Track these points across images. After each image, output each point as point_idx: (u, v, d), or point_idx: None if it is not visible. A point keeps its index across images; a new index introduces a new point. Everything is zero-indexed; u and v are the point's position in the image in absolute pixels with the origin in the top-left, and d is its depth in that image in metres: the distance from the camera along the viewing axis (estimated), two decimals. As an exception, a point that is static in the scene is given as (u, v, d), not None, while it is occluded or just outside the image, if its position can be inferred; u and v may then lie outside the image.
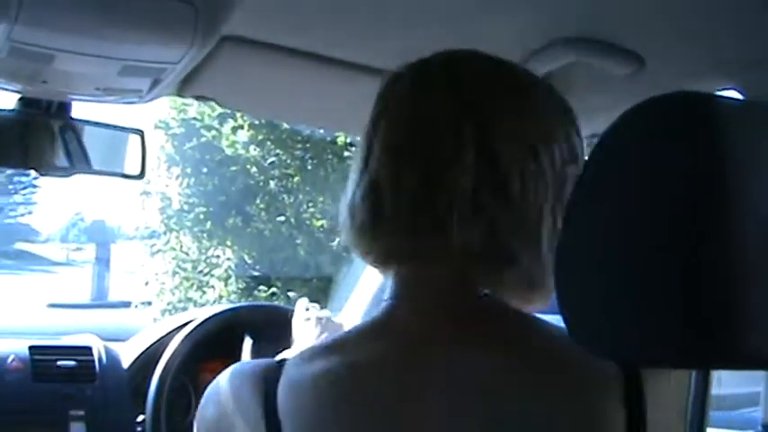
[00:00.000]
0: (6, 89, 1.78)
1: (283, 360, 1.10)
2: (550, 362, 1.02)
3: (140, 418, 2.35)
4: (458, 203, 1.04)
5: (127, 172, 2.05)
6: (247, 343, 2.41)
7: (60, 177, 1.97)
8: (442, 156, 1.05)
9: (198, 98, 1.87)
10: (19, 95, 1.83)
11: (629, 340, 0.84)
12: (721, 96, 0.87)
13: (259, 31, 1.59)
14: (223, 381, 1.13)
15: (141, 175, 2.02)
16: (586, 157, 0.94)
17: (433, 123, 1.08)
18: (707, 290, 0.77)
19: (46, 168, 1.92)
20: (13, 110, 1.84)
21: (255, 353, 2.38)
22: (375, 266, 1.16)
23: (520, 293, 1.10)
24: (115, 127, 2.02)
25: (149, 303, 12.48)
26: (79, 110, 1.90)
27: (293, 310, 2.57)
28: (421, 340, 1.06)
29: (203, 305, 10.79)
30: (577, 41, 1.55)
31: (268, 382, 1.07)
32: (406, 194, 1.06)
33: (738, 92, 1.60)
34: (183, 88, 1.77)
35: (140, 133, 2.03)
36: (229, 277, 11.96)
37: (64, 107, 1.87)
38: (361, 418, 1.02)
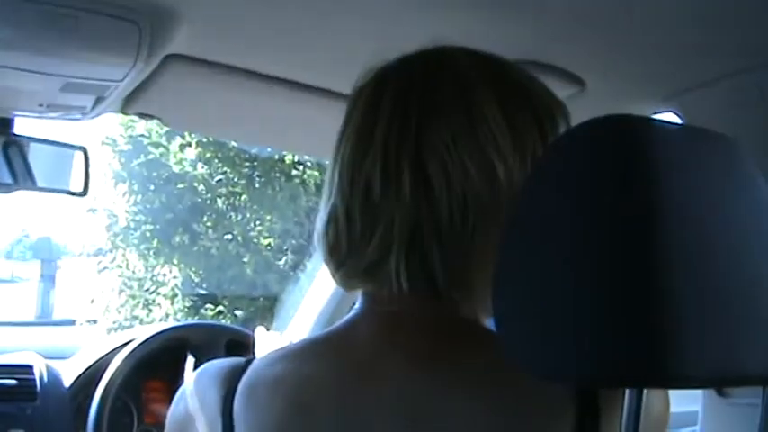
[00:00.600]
0: (-51, 104, 1.76)
1: (250, 360, 1.11)
2: (501, 379, 1.00)
3: (82, 437, 2.32)
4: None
5: (71, 189, 2.03)
6: (190, 362, 2.40)
7: (2, 193, 1.94)
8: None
9: (142, 116, 1.86)
10: (-40, 111, 1.81)
11: (560, 359, 0.85)
12: (656, 120, 0.88)
13: (203, 50, 1.59)
14: (192, 379, 1.15)
15: (84, 193, 2.00)
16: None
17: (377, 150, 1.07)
18: (637, 311, 0.78)
19: (-9, 184, 1.90)
20: (-45, 125, 1.82)
21: None
22: (342, 287, 1.17)
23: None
24: (58, 143, 2.00)
25: (95, 321, 12.35)
26: (24, 126, 1.89)
27: (236, 330, 2.57)
28: (377, 356, 1.06)
29: (149, 323, 10.71)
30: (517, 64, 1.56)
31: (230, 382, 1.08)
32: (354, 227, 1.07)
33: (677, 115, 1.63)
34: (126, 106, 1.76)
35: (83, 150, 2.01)
36: (176, 295, 11.87)
37: (7, 123, 1.85)
38: (311, 430, 1.02)
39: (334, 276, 1.14)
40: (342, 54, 1.58)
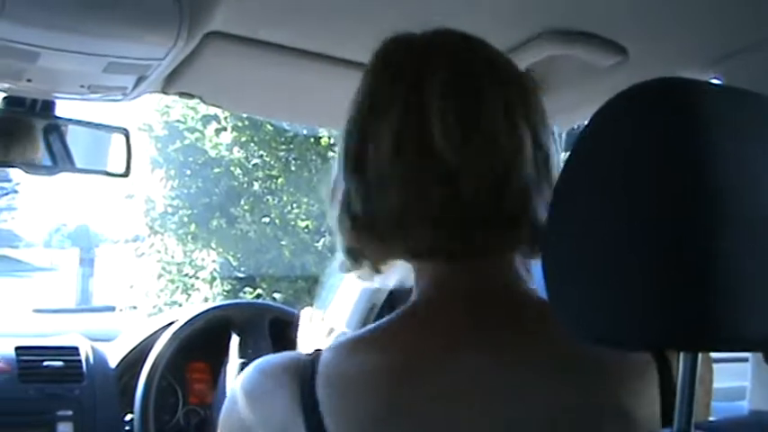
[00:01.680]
0: (-9, 87, 1.78)
1: (316, 352, 1.07)
2: (577, 351, 1.01)
3: (128, 417, 2.34)
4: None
5: (113, 170, 2.05)
6: (234, 341, 2.41)
7: (44, 176, 1.96)
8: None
9: (182, 95, 1.87)
10: (3, 95, 1.82)
11: (613, 324, 0.85)
12: (706, 81, 0.87)
13: (244, 27, 1.59)
14: (250, 377, 1.09)
15: (126, 174, 2.02)
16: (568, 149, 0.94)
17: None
18: (691, 274, 0.78)
19: (30, 167, 1.92)
20: (-2, 108, 1.84)
21: (242, 351, 2.38)
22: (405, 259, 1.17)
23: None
24: (100, 125, 2.02)
25: (135, 307, 12.46)
26: (64, 109, 1.90)
27: (279, 308, 2.57)
28: (454, 335, 1.06)
29: (189, 308, 10.78)
30: (559, 34, 1.55)
31: (303, 376, 1.03)
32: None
33: (720, 81, 1.61)
34: (167, 85, 1.77)
35: (125, 132, 2.03)
36: (214, 279, 11.95)
37: (48, 106, 1.87)
38: (415, 416, 1.01)
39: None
40: (387, 29, 1.57)
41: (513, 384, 1.03)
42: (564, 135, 2.05)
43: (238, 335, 2.41)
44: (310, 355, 1.07)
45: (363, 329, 1.13)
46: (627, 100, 0.87)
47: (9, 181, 36.00)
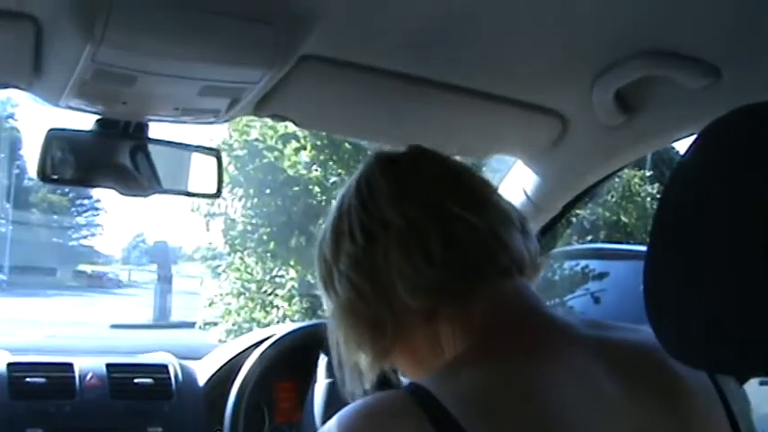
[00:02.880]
0: (86, 111, 1.80)
1: (414, 387, 1.05)
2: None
3: (216, 433, 2.37)
4: None
5: (201, 191, 2.07)
6: (322, 361, 2.42)
7: (134, 197, 1.98)
8: None
9: (274, 117, 1.88)
10: (97, 116, 1.85)
11: (725, 352, 0.84)
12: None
13: (336, 51, 1.60)
14: (360, 425, 1.04)
15: (218, 194, 2.05)
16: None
17: None
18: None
19: (123, 188, 1.94)
20: (90, 131, 1.86)
21: (330, 371, 2.38)
22: None
23: None
24: (189, 146, 2.04)
25: (215, 324, 12.55)
26: (154, 130, 1.93)
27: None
28: (551, 347, 1.10)
29: (267, 325, 10.83)
30: (651, 54, 1.54)
31: (425, 408, 1.00)
32: None
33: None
34: (259, 108, 1.78)
35: (216, 153, 2.06)
36: (293, 297, 11.99)
37: (141, 128, 1.89)
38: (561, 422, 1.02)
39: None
40: (480, 54, 1.58)
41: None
42: (649, 155, 2.04)
43: (326, 354, 2.42)
44: (410, 389, 1.05)
45: (452, 358, 1.15)
46: (722, 127, 0.87)
47: (89, 197, 36.60)
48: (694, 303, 0.86)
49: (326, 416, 2.10)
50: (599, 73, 1.61)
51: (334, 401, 2.19)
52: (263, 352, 2.42)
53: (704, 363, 0.88)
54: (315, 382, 2.40)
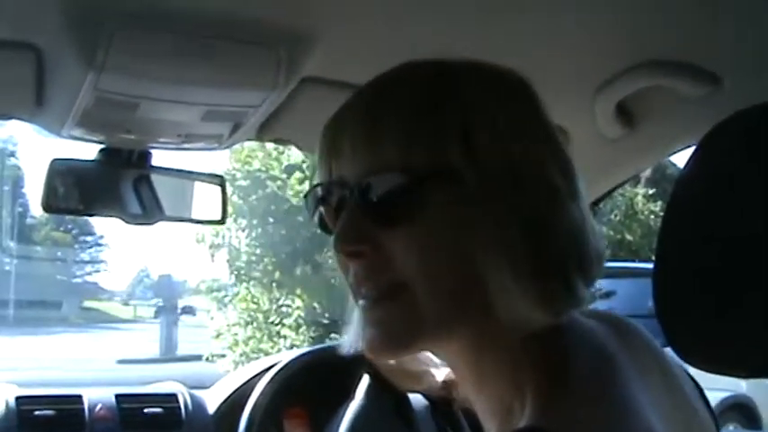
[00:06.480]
0: (89, 140, 1.81)
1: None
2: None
3: (227, 463, 2.35)
4: None
5: (204, 218, 2.07)
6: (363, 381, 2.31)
7: (138, 225, 1.98)
8: None
9: (277, 141, 1.88)
10: (101, 146, 1.85)
11: (733, 352, 0.84)
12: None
13: (338, 72, 1.60)
14: None
15: (223, 220, 2.05)
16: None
17: None
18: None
19: (128, 217, 1.94)
20: (94, 160, 1.87)
21: (369, 392, 2.29)
22: None
23: None
24: (192, 173, 2.04)
25: (222, 356, 12.54)
26: (157, 158, 1.93)
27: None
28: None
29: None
30: (652, 64, 1.54)
31: None
32: None
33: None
34: (262, 132, 1.78)
35: (220, 180, 2.05)
36: (300, 326, 11.99)
37: (144, 156, 1.89)
38: None
39: None
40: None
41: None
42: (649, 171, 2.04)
43: (338, 377, 2.38)
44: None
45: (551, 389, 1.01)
46: (728, 129, 0.87)
47: (93, 234, 36.68)
48: (707, 312, 0.86)
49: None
50: (600, 85, 1.61)
51: (368, 424, 2.14)
52: (273, 377, 2.40)
53: (726, 367, 0.87)
54: (330, 406, 2.36)
